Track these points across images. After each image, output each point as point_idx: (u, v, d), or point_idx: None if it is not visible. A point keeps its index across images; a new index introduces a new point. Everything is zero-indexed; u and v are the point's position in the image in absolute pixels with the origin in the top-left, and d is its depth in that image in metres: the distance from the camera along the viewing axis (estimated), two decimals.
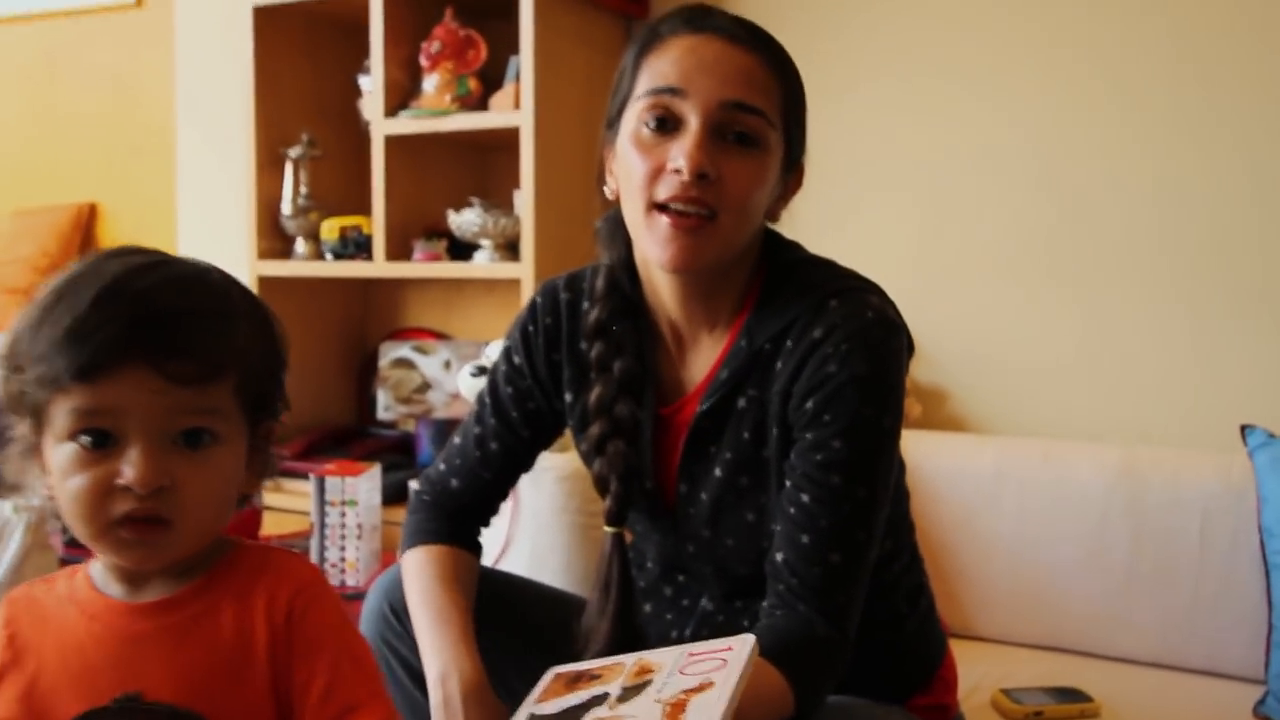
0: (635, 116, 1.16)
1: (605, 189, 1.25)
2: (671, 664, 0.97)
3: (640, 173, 1.15)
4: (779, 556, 1.13)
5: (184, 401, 0.81)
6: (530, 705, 0.99)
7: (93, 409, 0.80)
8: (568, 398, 1.33)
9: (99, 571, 0.89)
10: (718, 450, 1.23)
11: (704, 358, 1.25)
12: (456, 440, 1.40)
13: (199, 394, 0.82)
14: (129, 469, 0.80)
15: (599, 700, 0.95)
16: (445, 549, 1.33)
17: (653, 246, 1.16)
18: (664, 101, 1.14)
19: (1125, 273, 2.13)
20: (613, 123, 1.22)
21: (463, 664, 1.17)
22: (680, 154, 1.12)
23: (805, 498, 1.13)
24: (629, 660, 1.01)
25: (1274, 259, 2.02)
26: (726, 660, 0.93)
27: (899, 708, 1.28)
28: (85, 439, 0.81)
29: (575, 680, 1.01)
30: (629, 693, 0.94)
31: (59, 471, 0.82)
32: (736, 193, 1.14)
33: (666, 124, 1.14)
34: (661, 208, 1.14)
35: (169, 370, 0.80)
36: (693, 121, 1.13)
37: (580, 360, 1.30)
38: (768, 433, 1.19)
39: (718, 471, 1.23)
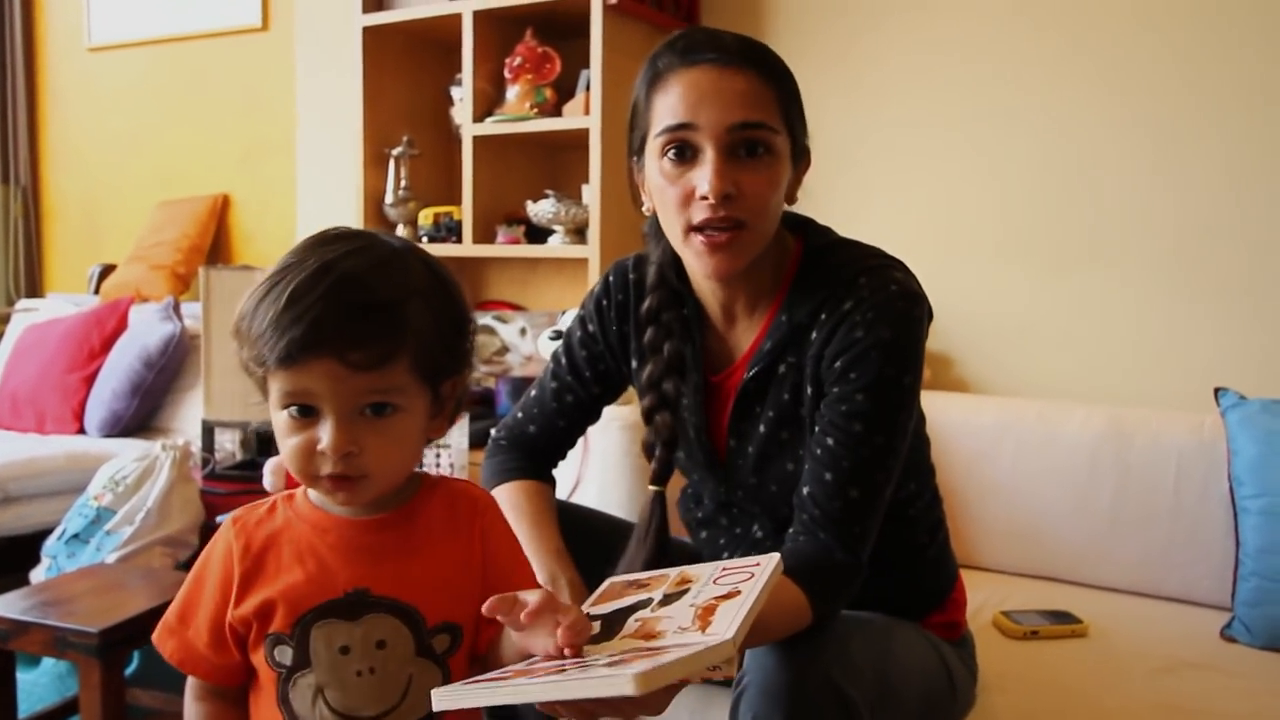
0: (656, 151, 1.12)
1: (643, 207, 1.21)
2: (707, 576, 0.96)
3: (672, 200, 1.11)
4: (805, 490, 1.11)
5: (366, 383, 0.83)
6: (587, 606, 0.99)
7: (294, 390, 0.83)
8: (634, 363, 1.31)
9: (316, 498, 0.92)
10: (762, 410, 1.20)
11: (748, 332, 1.22)
12: (533, 393, 1.38)
13: (378, 376, 0.83)
14: (324, 438, 0.83)
15: (644, 604, 0.95)
16: (531, 483, 1.32)
17: (694, 261, 1.14)
18: (678, 136, 1.10)
19: (1112, 254, 2.07)
20: (637, 153, 1.18)
21: (567, 572, 1.17)
22: (703, 181, 1.08)
23: (831, 441, 1.10)
24: (673, 572, 1.01)
25: (1245, 244, 1.96)
26: (754, 574, 0.93)
27: (912, 623, 1.26)
28: (293, 410, 0.84)
29: (626, 588, 1.01)
30: (669, 599, 0.94)
31: (278, 431, 0.87)
32: (758, 200, 1.10)
33: (685, 153, 1.10)
34: (696, 229, 1.11)
35: (350, 360, 0.81)
36: (708, 150, 1.08)
37: (642, 336, 1.28)
38: (803, 393, 1.16)
39: (762, 428, 1.20)
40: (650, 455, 1.24)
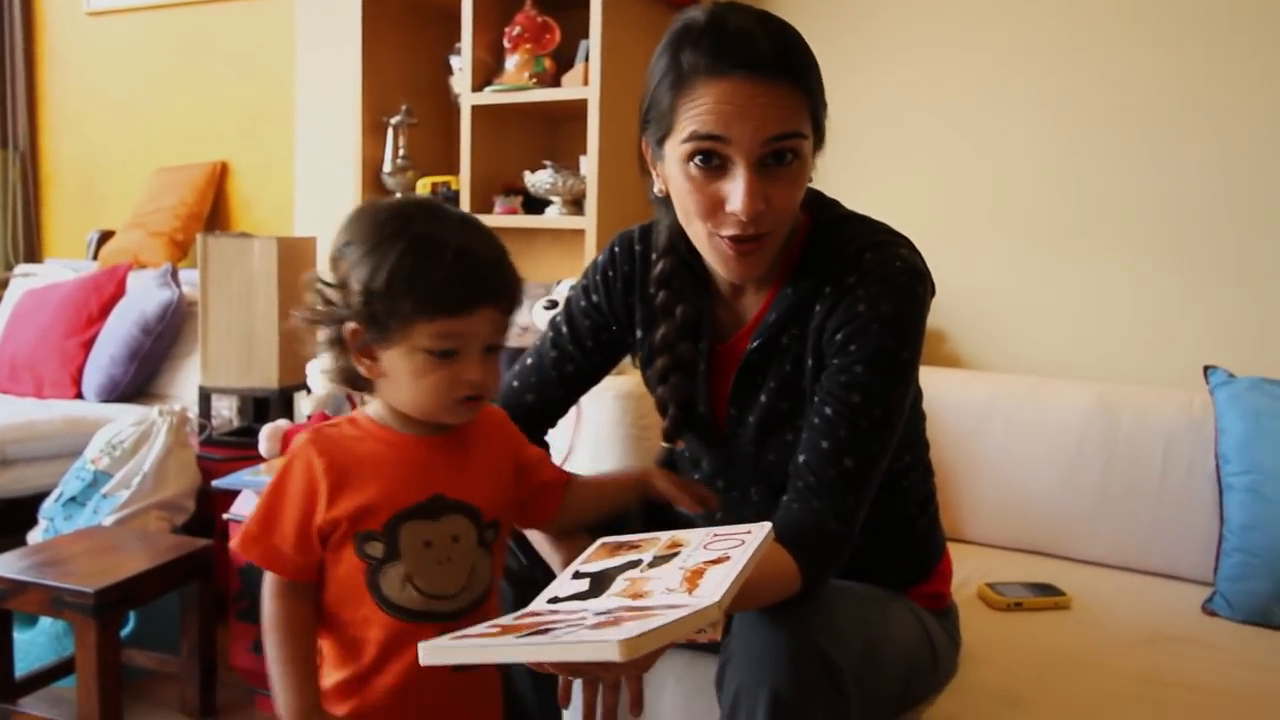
0: (682, 154, 1.08)
1: (654, 188, 1.18)
2: (698, 541, 0.97)
3: (696, 206, 1.09)
4: (801, 458, 1.11)
5: (502, 325, 1.04)
6: (576, 564, 1.01)
7: (451, 333, 1.00)
8: (639, 333, 1.31)
9: (379, 416, 1.08)
10: (764, 380, 1.20)
11: (754, 302, 1.23)
12: (529, 362, 1.37)
13: (509, 320, 1.05)
14: (473, 372, 1.02)
15: (633, 565, 0.96)
16: None
17: (717, 264, 1.14)
18: (707, 147, 1.06)
19: (1104, 233, 2.07)
20: (656, 142, 1.13)
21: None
22: (735, 198, 1.05)
23: (828, 410, 1.10)
24: (664, 536, 1.02)
25: (1235, 224, 1.95)
26: (744, 541, 0.93)
27: (897, 594, 1.27)
28: (438, 353, 1.00)
29: (617, 548, 1.02)
30: (659, 561, 0.95)
31: (414, 370, 1.01)
32: (785, 209, 1.09)
33: (712, 160, 1.07)
34: (722, 236, 1.10)
35: (503, 307, 1.03)
36: (739, 165, 1.05)
37: (650, 303, 1.27)
38: (805, 364, 1.17)
39: (763, 398, 1.21)
40: (664, 413, 1.25)
